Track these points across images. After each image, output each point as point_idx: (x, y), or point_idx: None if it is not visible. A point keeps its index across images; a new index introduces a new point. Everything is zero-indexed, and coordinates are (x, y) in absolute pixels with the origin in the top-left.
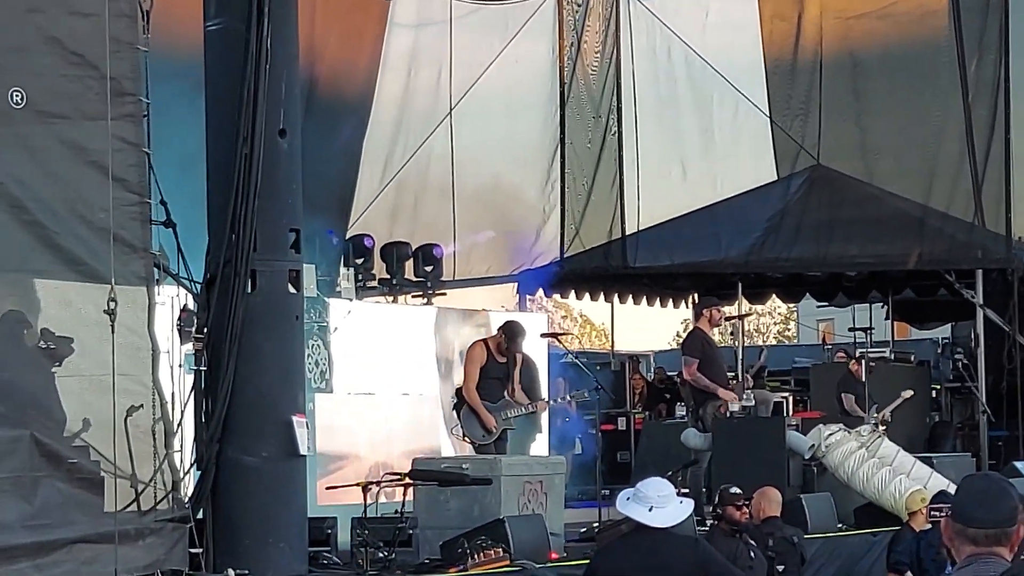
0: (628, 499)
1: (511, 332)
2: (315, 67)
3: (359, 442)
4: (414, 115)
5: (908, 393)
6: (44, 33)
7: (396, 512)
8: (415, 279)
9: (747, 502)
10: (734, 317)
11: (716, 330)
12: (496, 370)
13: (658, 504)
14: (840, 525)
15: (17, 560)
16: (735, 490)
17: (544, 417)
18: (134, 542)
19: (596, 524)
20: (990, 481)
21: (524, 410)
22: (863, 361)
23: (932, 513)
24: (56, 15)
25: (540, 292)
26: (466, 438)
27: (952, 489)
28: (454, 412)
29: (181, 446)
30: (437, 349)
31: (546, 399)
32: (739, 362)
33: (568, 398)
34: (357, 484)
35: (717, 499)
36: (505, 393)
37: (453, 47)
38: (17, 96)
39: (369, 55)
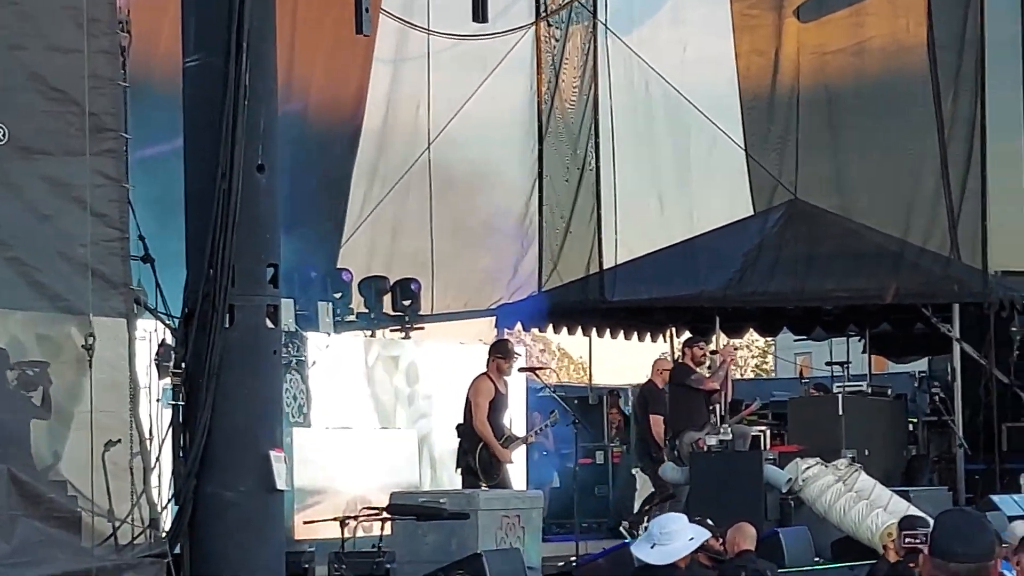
0: (640, 537)
1: (508, 349)
2: (304, 101)
3: (337, 476)
4: (393, 149)
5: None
6: (27, 70)
7: (374, 546)
8: (393, 313)
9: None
10: (715, 352)
11: (700, 368)
12: (501, 403)
13: (661, 541)
14: (817, 559)
15: None
16: (710, 522)
17: (521, 451)
18: None
19: (574, 558)
20: (968, 516)
21: (521, 444)
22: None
23: (906, 540)
24: (38, 52)
25: (518, 326)
26: (482, 482)
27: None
28: (465, 455)
29: (159, 481)
30: (415, 383)
31: (535, 428)
32: (723, 396)
33: (541, 428)
34: (335, 518)
35: None
36: (507, 426)
37: (432, 82)
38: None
39: (356, 89)
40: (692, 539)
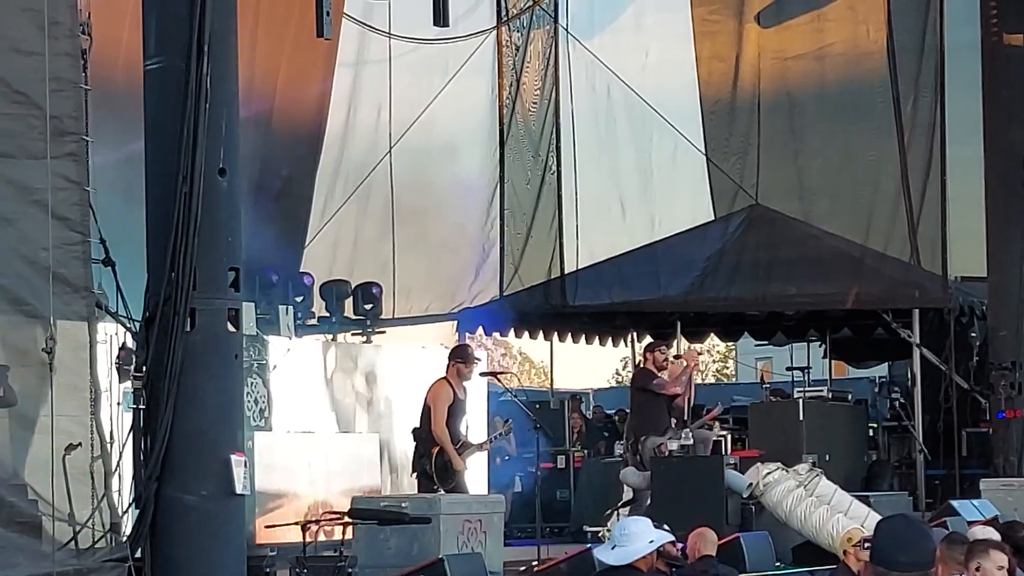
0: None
1: (468, 354)
2: (266, 104)
3: (298, 480)
4: (354, 153)
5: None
6: None
7: (335, 551)
8: (355, 317)
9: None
10: (678, 356)
11: (662, 372)
12: (459, 408)
13: (620, 543)
14: (778, 564)
15: None
16: (667, 527)
17: (483, 456)
18: None
19: (535, 562)
20: (909, 524)
21: (477, 450)
22: None
23: (866, 546)
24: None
25: (480, 330)
26: (438, 487)
27: None
28: (421, 459)
29: (120, 485)
30: (377, 387)
31: (489, 437)
32: (686, 401)
33: (494, 438)
34: (296, 523)
35: None
36: (463, 432)
37: (393, 85)
38: None
39: (319, 93)
40: (652, 541)
